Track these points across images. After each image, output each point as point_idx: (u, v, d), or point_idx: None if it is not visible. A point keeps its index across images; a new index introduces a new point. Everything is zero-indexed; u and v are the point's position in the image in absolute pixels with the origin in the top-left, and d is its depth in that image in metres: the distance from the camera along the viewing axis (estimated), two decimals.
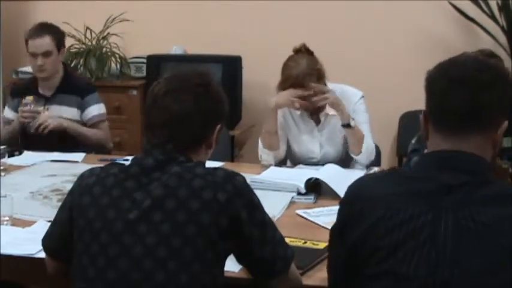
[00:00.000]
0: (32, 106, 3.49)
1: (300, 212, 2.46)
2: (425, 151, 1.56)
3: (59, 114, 3.57)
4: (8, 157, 3.11)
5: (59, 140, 3.51)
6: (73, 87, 3.63)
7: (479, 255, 1.37)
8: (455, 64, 1.51)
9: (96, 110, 3.64)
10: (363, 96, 3.22)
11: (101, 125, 3.65)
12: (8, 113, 3.71)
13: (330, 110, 3.18)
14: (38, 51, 3.51)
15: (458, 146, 1.46)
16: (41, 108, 3.53)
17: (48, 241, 1.81)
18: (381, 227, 1.43)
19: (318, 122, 3.23)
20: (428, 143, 1.53)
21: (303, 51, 3.12)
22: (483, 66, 1.48)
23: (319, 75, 3.09)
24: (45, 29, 3.57)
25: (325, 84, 3.16)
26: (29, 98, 3.51)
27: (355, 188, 1.56)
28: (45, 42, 3.52)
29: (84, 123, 3.62)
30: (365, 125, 3.18)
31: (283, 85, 3.10)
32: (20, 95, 3.65)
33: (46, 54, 3.52)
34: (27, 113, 3.49)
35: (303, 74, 3.04)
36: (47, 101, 3.59)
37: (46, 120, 3.47)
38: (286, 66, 3.10)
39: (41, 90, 3.61)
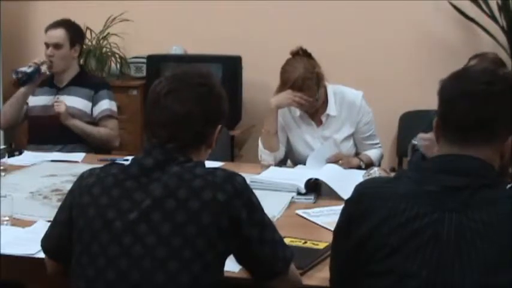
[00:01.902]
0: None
1: (300, 212, 2.46)
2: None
3: (68, 104, 3.59)
4: (8, 157, 3.11)
5: (63, 133, 3.53)
6: (87, 82, 3.69)
7: (481, 255, 1.39)
8: (468, 75, 1.53)
9: (107, 105, 3.65)
10: (363, 96, 3.23)
11: (108, 121, 3.65)
12: None
13: (331, 111, 3.19)
14: (49, 41, 3.60)
15: (465, 152, 1.49)
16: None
17: (47, 242, 1.81)
18: (386, 225, 1.45)
19: (319, 122, 3.23)
20: (438, 147, 1.56)
21: (300, 53, 3.12)
22: (494, 79, 1.51)
23: (317, 78, 3.09)
24: (62, 22, 3.65)
25: (324, 86, 3.17)
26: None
27: (362, 187, 1.58)
28: (58, 34, 3.60)
29: (93, 118, 3.63)
30: (371, 126, 3.26)
31: (282, 89, 3.11)
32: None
33: (56, 46, 3.59)
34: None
35: (302, 78, 3.04)
36: (59, 91, 3.66)
37: (61, 103, 3.52)
38: (284, 71, 3.10)
39: (55, 81, 3.68)
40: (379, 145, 3.33)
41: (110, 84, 3.88)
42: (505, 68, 2.98)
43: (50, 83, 3.68)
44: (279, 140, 3.21)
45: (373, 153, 3.26)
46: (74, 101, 3.61)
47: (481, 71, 1.54)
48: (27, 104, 3.69)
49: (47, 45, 3.60)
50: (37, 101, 3.65)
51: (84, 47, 4.74)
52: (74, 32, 3.68)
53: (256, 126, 4.44)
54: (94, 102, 3.65)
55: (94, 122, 3.64)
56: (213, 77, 1.78)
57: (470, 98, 1.48)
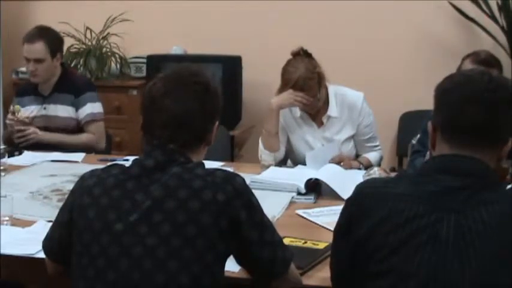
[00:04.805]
0: (19, 114, 3.47)
1: (300, 212, 2.46)
2: (430, 155, 1.59)
3: (55, 114, 3.57)
4: (8, 157, 3.11)
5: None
6: (69, 86, 3.60)
7: (480, 255, 1.39)
8: (469, 81, 1.53)
9: (89, 109, 3.59)
10: (364, 97, 3.23)
11: (91, 126, 3.60)
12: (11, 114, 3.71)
13: (332, 112, 3.19)
14: (29, 56, 3.50)
15: (465, 154, 1.49)
16: (26, 113, 3.52)
17: (48, 242, 1.81)
18: (385, 226, 1.45)
19: (320, 123, 3.23)
20: (434, 152, 1.56)
21: (301, 54, 3.12)
22: (497, 86, 1.51)
23: (318, 78, 3.09)
24: (39, 34, 3.52)
25: (326, 86, 3.17)
26: (17, 108, 3.49)
27: (362, 187, 1.58)
28: (37, 49, 3.49)
29: (78, 122, 3.59)
30: (372, 128, 3.26)
31: (283, 90, 3.10)
32: (21, 95, 3.67)
33: (38, 61, 3.50)
34: (12, 121, 3.48)
35: (303, 78, 3.04)
36: (45, 99, 3.61)
37: (29, 134, 3.47)
38: (285, 71, 3.10)
39: (39, 89, 3.62)
40: (379, 147, 3.33)
41: (92, 84, 3.79)
42: (499, 66, 2.97)
43: (35, 92, 3.61)
44: (279, 140, 3.21)
45: (372, 157, 3.26)
46: (60, 109, 3.57)
47: (482, 78, 1.53)
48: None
49: (27, 59, 3.50)
50: (25, 112, 3.59)
51: (84, 47, 4.77)
52: (53, 41, 3.55)
53: (256, 126, 4.44)
54: (76, 108, 3.58)
55: (80, 125, 3.60)
56: (206, 75, 1.79)
57: (474, 105, 1.48)
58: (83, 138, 3.59)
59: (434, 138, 1.56)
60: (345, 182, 2.62)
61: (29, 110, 3.59)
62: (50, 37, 3.55)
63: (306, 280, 1.84)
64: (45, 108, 3.59)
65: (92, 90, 3.66)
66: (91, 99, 3.61)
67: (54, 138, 3.54)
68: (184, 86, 1.72)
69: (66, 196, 1.79)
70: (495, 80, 1.52)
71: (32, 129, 3.50)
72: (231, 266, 1.75)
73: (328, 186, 2.68)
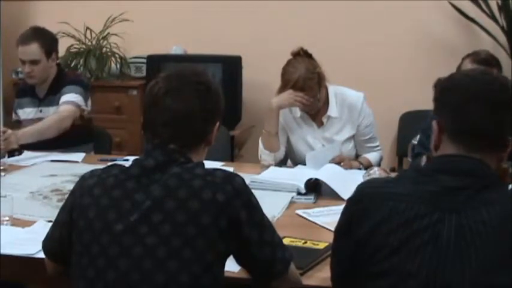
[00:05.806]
0: None
1: (300, 212, 2.46)
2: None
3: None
4: (8, 157, 3.11)
5: (53, 141, 3.42)
6: (62, 87, 3.55)
7: (481, 255, 1.39)
8: (472, 80, 1.53)
9: (66, 98, 3.47)
10: (364, 98, 3.23)
11: (63, 106, 3.45)
12: (13, 114, 3.70)
13: (332, 112, 3.19)
14: (25, 58, 3.47)
15: (466, 154, 1.49)
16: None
17: (48, 243, 1.81)
18: (386, 226, 1.45)
19: (320, 123, 3.23)
20: (436, 152, 1.56)
21: (301, 54, 3.12)
22: (499, 87, 1.51)
23: (318, 78, 3.09)
24: (34, 36, 3.49)
25: (326, 86, 3.17)
26: None
27: (363, 187, 1.59)
28: (32, 50, 3.46)
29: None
30: (372, 129, 3.26)
31: (283, 90, 3.10)
32: (21, 96, 3.66)
33: (33, 62, 3.47)
34: None
35: (303, 79, 3.04)
36: (40, 102, 3.58)
37: (9, 137, 3.22)
38: (285, 71, 3.10)
39: (36, 91, 3.60)
40: (379, 148, 3.33)
41: (82, 80, 3.66)
42: (499, 66, 2.98)
43: (32, 94, 3.58)
44: (279, 140, 3.21)
45: (372, 157, 3.26)
46: (54, 111, 3.51)
47: (484, 77, 1.53)
48: (17, 114, 3.64)
49: (23, 61, 3.47)
50: (24, 114, 3.58)
51: (84, 47, 4.77)
52: (48, 42, 3.51)
53: (256, 126, 4.44)
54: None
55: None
56: (208, 75, 1.79)
57: (477, 105, 1.48)
58: (54, 117, 3.42)
59: (440, 138, 1.55)
60: (345, 182, 2.62)
61: (27, 113, 3.59)
62: (44, 37, 3.53)
63: (306, 280, 1.84)
64: (41, 111, 3.56)
65: (79, 84, 3.55)
66: (72, 90, 3.50)
67: (28, 133, 3.33)
68: (186, 85, 1.72)
69: (66, 196, 1.79)
70: (497, 81, 1.52)
71: (9, 131, 3.25)
72: (231, 266, 1.75)
73: (328, 186, 2.68)
